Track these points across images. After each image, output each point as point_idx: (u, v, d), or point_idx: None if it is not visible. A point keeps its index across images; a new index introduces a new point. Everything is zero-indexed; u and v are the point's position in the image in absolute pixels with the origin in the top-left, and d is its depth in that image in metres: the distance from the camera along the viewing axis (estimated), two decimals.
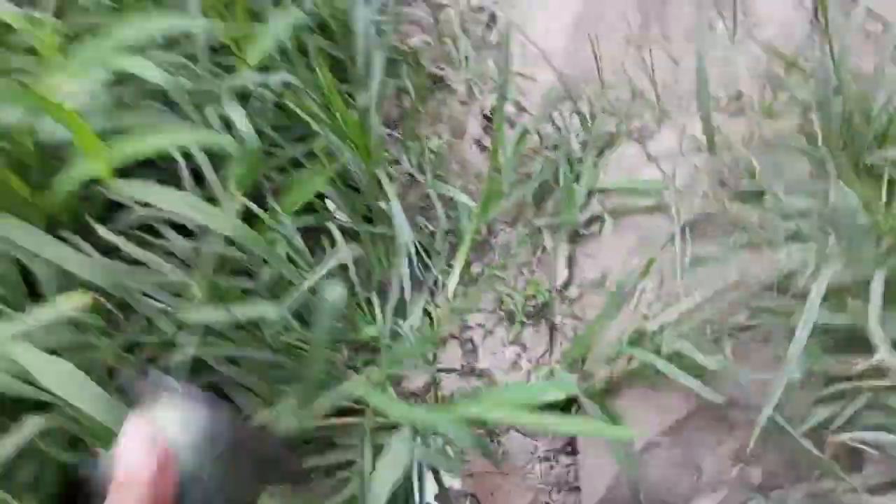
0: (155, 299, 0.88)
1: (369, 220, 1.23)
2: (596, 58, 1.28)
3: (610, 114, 1.25)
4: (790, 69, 1.03)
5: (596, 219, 1.12)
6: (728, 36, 1.06)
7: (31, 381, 0.75)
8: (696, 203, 0.94)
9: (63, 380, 0.74)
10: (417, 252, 1.21)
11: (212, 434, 0.38)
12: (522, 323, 1.12)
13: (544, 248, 1.17)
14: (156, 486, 0.42)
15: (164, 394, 0.43)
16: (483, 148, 1.34)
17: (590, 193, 1.15)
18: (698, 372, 0.85)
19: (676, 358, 0.86)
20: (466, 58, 1.44)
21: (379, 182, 1.19)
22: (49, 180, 0.83)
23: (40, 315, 0.76)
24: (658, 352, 0.88)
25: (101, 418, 0.73)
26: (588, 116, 1.25)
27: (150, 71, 0.85)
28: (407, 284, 1.15)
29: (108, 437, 0.75)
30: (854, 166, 0.91)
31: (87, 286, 0.85)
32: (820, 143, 0.92)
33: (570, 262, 1.13)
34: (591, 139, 1.21)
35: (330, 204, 1.20)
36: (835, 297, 0.77)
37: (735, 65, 1.04)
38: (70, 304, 0.76)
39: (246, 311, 0.87)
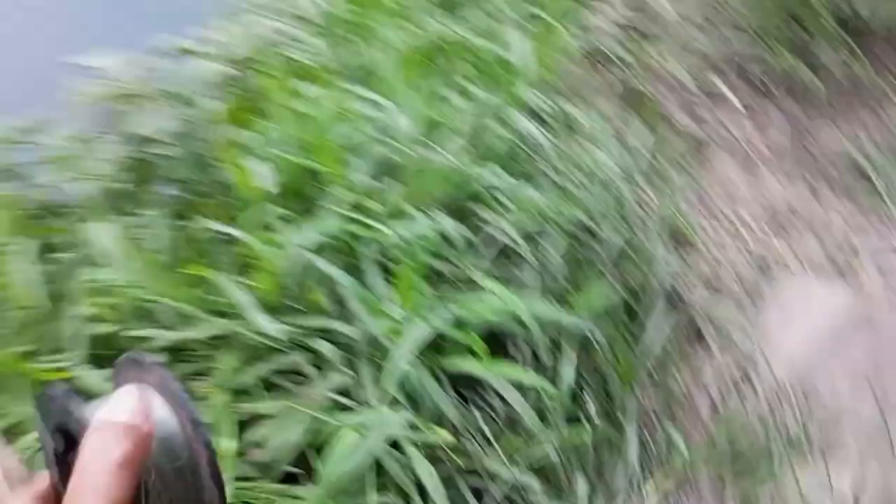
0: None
1: (608, 415, 1.74)
2: (818, 378, 1.68)
3: (810, 432, 1.64)
4: None
5: None
6: None
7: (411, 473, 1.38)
8: None
9: (432, 481, 1.36)
10: None
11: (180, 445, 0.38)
12: None
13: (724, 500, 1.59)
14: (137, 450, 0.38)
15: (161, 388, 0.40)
16: (713, 405, 1.79)
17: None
18: None
19: None
20: (722, 329, 1.89)
21: (625, 403, 1.71)
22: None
23: (426, 438, 1.39)
24: None
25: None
26: (794, 424, 1.65)
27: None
28: (623, 481, 1.65)
29: None
30: None
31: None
32: None
33: None
34: (788, 445, 1.62)
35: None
36: None
37: None
38: (441, 438, 1.39)
39: (513, 474, 1.44)
